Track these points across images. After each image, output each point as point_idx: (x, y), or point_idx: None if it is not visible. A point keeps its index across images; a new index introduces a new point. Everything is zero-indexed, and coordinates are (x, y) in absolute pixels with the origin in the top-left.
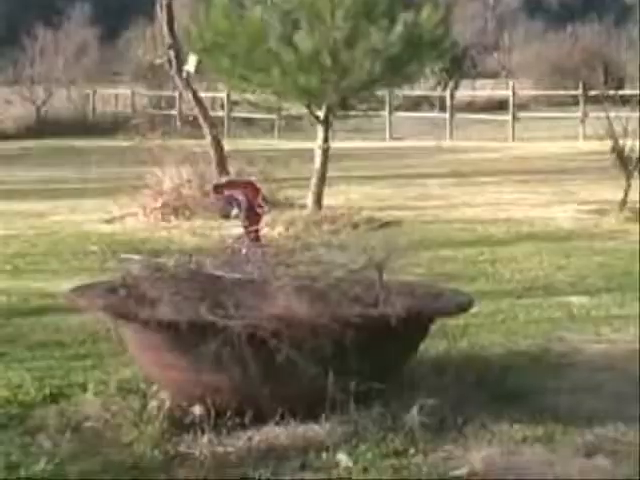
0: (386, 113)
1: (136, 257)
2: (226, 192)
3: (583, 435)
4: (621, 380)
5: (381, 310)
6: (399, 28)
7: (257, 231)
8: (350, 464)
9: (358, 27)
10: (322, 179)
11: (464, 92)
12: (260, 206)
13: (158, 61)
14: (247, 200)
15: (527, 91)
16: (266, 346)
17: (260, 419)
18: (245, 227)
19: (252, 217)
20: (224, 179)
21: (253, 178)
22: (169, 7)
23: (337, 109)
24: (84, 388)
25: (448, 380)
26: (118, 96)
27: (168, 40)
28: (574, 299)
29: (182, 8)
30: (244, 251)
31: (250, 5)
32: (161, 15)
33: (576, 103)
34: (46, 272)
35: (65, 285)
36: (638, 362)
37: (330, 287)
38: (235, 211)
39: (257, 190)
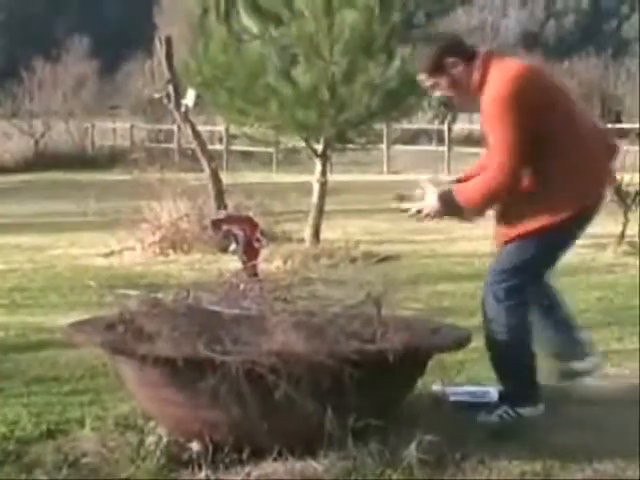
0: (384, 146)
1: (133, 293)
2: (224, 227)
3: (582, 471)
4: (620, 415)
5: (379, 346)
6: (397, 63)
7: (254, 266)
8: None
9: (356, 62)
10: (320, 213)
11: (462, 125)
12: (258, 240)
13: (157, 95)
14: (245, 235)
15: None
16: (264, 382)
17: (258, 455)
18: (243, 262)
19: (250, 252)
20: (222, 214)
21: (250, 213)
22: (168, 41)
23: (335, 143)
24: (81, 424)
25: (446, 416)
26: (116, 129)
27: (167, 74)
28: None
29: (181, 42)
30: (242, 286)
31: (248, 40)
32: (160, 49)
33: None
34: (44, 307)
35: (63, 320)
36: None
37: (328, 323)
38: (233, 246)
39: (255, 225)
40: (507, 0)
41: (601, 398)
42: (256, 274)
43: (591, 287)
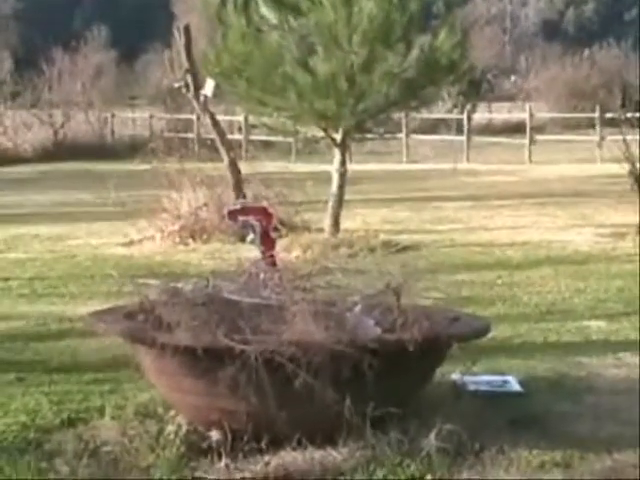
0: (403, 136)
1: (153, 282)
2: (240, 217)
3: (602, 461)
4: None
5: (398, 335)
6: (415, 52)
7: (272, 256)
8: None
9: (375, 51)
10: (339, 202)
11: (481, 115)
12: (276, 229)
13: (176, 85)
14: (261, 225)
15: (544, 114)
16: (283, 371)
17: (277, 444)
18: (261, 252)
19: (267, 242)
20: (238, 204)
21: (265, 203)
22: (187, 31)
23: (354, 132)
24: (102, 413)
25: (465, 405)
26: (136, 119)
27: (186, 64)
28: (592, 323)
29: (199, 32)
30: (261, 276)
31: (267, 30)
32: (179, 39)
33: (593, 126)
34: (64, 296)
35: (83, 309)
36: None
37: (347, 312)
38: (251, 236)
39: (270, 215)
40: None
41: (621, 388)
42: (275, 263)
43: (611, 276)
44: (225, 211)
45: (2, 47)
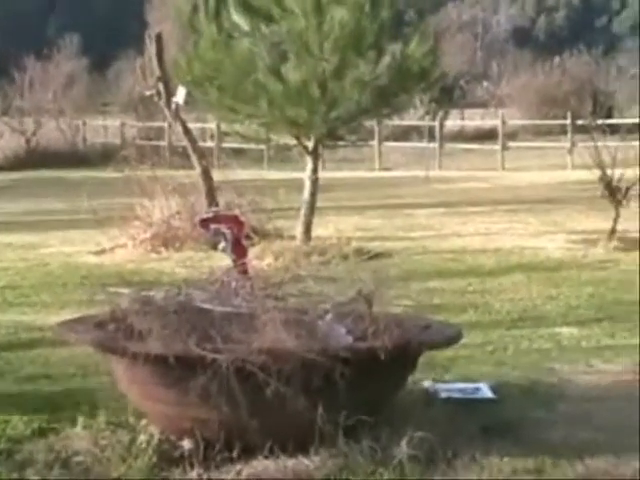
0: (375, 143)
1: (124, 291)
2: (212, 225)
3: (574, 467)
4: (612, 411)
5: (370, 343)
6: (387, 59)
7: (245, 264)
8: None
9: (346, 58)
10: (311, 210)
11: (453, 122)
12: (248, 237)
13: (148, 93)
14: (232, 233)
15: (516, 121)
16: (254, 379)
17: (249, 452)
18: (233, 260)
19: (239, 250)
20: (210, 212)
21: (237, 211)
22: (159, 39)
23: (326, 140)
24: (73, 422)
25: (438, 412)
26: (107, 127)
27: (157, 72)
28: (564, 330)
29: (172, 40)
30: (233, 284)
31: (239, 37)
32: (150, 46)
33: (565, 132)
34: (36, 305)
35: (55, 318)
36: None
37: (319, 320)
38: (222, 244)
39: (242, 223)
40: None
41: (593, 394)
42: (246, 271)
43: (583, 283)
44: (197, 219)
45: None
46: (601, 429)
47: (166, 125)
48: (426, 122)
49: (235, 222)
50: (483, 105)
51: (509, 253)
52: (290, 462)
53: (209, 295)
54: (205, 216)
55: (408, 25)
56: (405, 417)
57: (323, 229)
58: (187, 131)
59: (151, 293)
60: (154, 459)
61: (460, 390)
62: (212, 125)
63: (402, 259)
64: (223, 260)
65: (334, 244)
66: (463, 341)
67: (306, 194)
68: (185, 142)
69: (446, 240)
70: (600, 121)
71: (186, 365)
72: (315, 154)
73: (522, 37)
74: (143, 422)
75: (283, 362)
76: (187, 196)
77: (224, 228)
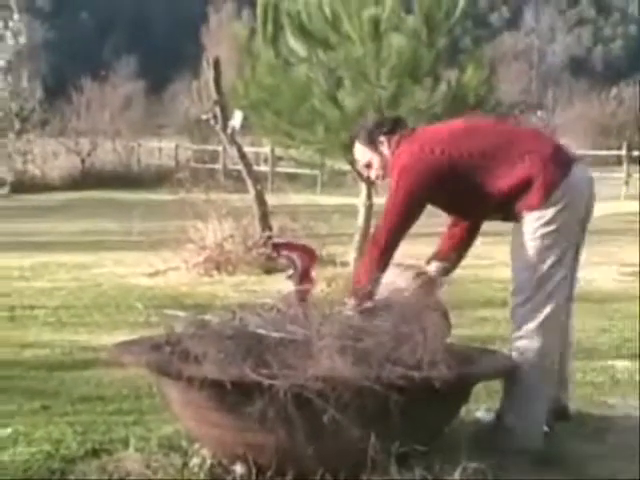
0: None
1: (180, 314)
2: (284, 252)
3: None
4: None
5: (424, 373)
6: (443, 87)
7: (306, 291)
8: None
9: (402, 86)
10: (365, 236)
11: None
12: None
13: (204, 117)
14: (303, 262)
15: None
16: (311, 406)
17: (301, 479)
18: (297, 290)
19: (306, 280)
20: (281, 239)
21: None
22: (216, 64)
23: None
24: (126, 444)
25: (490, 443)
26: (162, 149)
27: (214, 96)
28: (617, 363)
29: (228, 63)
30: (289, 310)
31: (295, 62)
32: (207, 70)
33: (620, 163)
34: (89, 325)
35: (108, 339)
36: None
37: (374, 348)
38: (290, 271)
39: (314, 254)
40: (554, 25)
41: None
42: (304, 299)
43: (635, 316)
44: (267, 242)
45: (33, 76)
46: None
47: (221, 148)
48: None
49: (309, 253)
50: None
51: None
52: None
53: (264, 320)
54: (278, 241)
55: (464, 52)
56: (458, 447)
57: None
58: (243, 155)
59: (206, 317)
60: None
61: None
62: (266, 149)
63: (455, 287)
64: (276, 284)
65: None
66: None
67: (360, 220)
68: (240, 166)
69: (496, 269)
70: None
71: (242, 390)
72: (369, 180)
73: (578, 67)
74: (196, 446)
75: (339, 389)
76: (240, 220)
77: (296, 256)
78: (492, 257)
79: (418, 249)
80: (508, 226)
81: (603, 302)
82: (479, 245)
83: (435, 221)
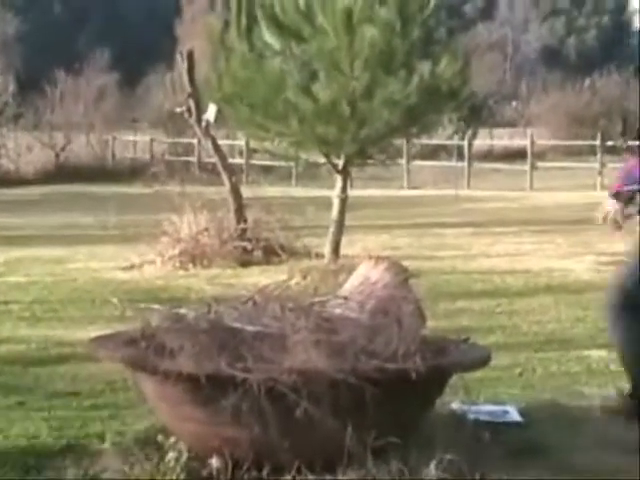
0: (404, 162)
1: (156, 307)
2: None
3: None
4: None
5: (399, 364)
6: (417, 79)
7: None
8: None
9: (376, 77)
10: (340, 228)
11: (482, 141)
12: None
13: (178, 110)
14: None
15: (545, 141)
16: (285, 399)
17: (278, 472)
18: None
19: None
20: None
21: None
22: (190, 56)
23: (355, 158)
24: (102, 439)
25: (466, 435)
26: (137, 142)
27: (188, 89)
28: (593, 352)
29: (202, 56)
30: (263, 303)
31: (269, 55)
32: (181, 63)
33: (594, 153)
34: (64, 320)
35: (83, 333)
36: None
37: (349, 340)
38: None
39: None
40: (528, 16)
41: (622, 418)
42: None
43: None
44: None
45: (5, 69)
46: (630, 453)
47: (195, 141)
48: (455, 141)
49: None
50: (512, 124)
51: (537, 274)
52: None
53: (239, 314)
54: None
55: (438, 44)
56: (433, 439)
57: (351, 248)
58: (217, 148)
59: (182, 310)
60: (182, 477)
61: (488, 413)
62: (241, 142)
63: (430, 279)
64: (251, 277)
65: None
66: (491, 363)
67: (335, 212)
68: (215, 159)
69: (474, 260)
70: (630, 142)
71: (217, 384)
72: (344, 172)
73: (552, 57)
74: (171, 440)
75: (313, 382)
76: (216, 212)
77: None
78: (471, 249)
79: (398, 242)
80: (487, 218)
81: (580, 292)
82: (457, 236)
83: (415, 212)
